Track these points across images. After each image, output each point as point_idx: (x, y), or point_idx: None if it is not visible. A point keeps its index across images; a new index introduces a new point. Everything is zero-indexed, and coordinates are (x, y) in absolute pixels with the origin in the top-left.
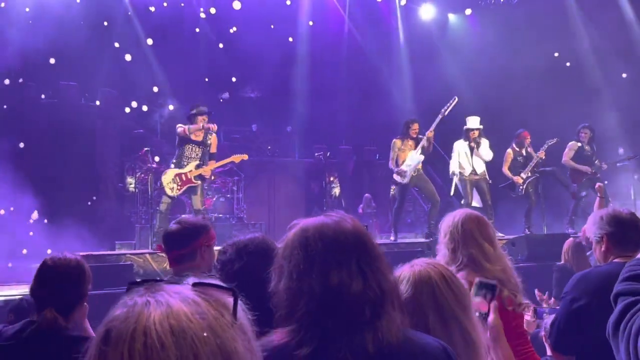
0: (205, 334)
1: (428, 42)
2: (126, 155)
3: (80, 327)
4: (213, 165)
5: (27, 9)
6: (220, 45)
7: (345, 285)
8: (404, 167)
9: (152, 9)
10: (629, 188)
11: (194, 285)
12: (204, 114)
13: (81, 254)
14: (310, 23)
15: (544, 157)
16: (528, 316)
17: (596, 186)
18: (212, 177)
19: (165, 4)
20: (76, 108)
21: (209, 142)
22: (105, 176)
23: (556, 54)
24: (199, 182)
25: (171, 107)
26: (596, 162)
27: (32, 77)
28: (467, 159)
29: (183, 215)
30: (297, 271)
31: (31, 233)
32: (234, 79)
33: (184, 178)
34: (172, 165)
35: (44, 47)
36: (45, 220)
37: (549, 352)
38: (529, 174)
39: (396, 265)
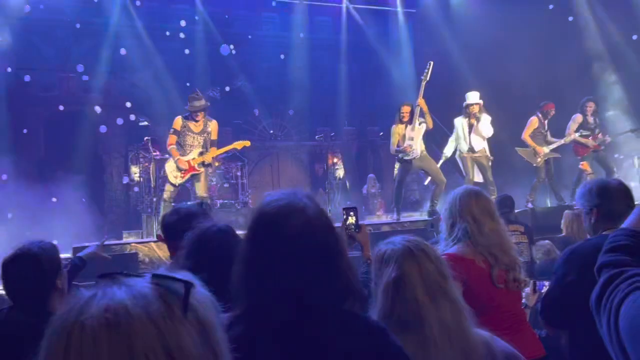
0: (143, 329)
1: (428, 20)
2: (130, 145)
3: None
4: (215, 152)
5: None
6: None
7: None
8: (406, 143)
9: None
10: (632, 160)
11: (153, 277)
12: (198, 110)
13: (84, 244)
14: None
15: (567, 143)
16: (529, 290)
17: (580, 165)
18: (216, 164)
19: None
20: (77, 98)
21: (209, 129)
22: (109, 166)
23: (571, 18)
24: (202, 169)
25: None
26: (599, 135)
27: (30, 66)
28: (464, 137)
29: (181, 203)
30: (243, 257)
31: None
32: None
33: (187, 166)
34: None
35: (44, 37)
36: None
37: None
38: (550, 152)
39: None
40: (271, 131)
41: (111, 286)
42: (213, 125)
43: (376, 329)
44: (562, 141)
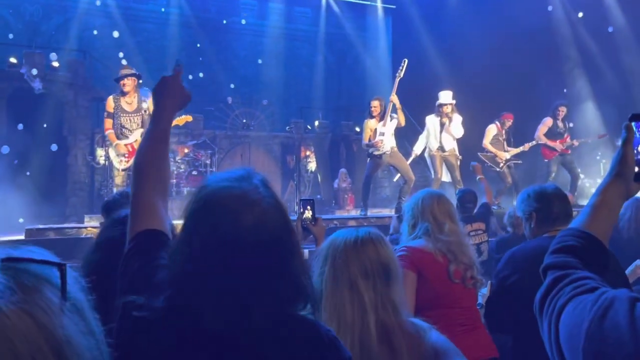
0: (24, 327)
1: (407, 16)
2: (97, 127)
3: None
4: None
5: None
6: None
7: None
8: (377, 138)
9: None
10: (599, 165)
11: (4, 261)
12: (125, 77)
13: (39, 227)
14: None
15: (526, 150)
16: (485, 290)
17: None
18: (185, 150)
19: None
20: (43, 75)
21: (145, 106)
22: (74, 148)
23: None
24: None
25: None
26: (567, 138)
27: None
28: (435, 136)
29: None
30: (177, 248)
31: None
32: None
33: (130, 149)
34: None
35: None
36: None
37: None
38: (511, 157)
39: None
40: (244, 120)
41: None
42: (150, 102)
43: (325, 338)
44: (522, 148)
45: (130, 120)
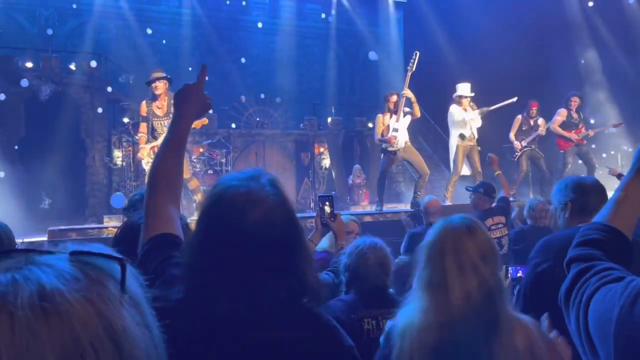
0: (85, 315)
1: (419, 9)
2: (114, 129)
3: None
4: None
5: None
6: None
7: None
8: (390, 134)
9: None
10: (617, 155)
11: (72, 254)
12: (157, 80)
13: (61, 227)
14: None
15: (543, 134)
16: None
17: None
18: (200, 149)
19: None
20: (60, 79)
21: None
22: (92, 149)
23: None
24: None
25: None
26: (582, 129)
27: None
28: (459, 125)
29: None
30: (192, 243)
31: None
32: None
33: (155, 152)
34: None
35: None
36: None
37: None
38: (526, 145)
39: (382, 236)
40: (257, 118)
41: (28, 267)
42: None
43: (328, 328)
44: (538, 133)
45: (160, 124)
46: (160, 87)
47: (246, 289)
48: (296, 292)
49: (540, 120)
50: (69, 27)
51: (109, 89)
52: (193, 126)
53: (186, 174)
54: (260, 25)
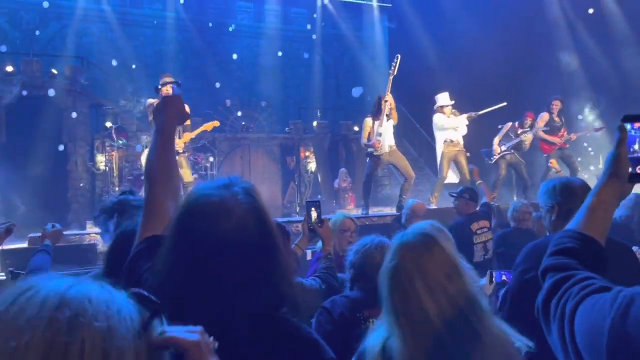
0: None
1: (403, 14)
2: (97, 133)
3: None
4: (188, 136)
5: None
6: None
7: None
8: (375, 139)
9: None
10: (598, 157)
11: (135, 296)
12: (166, 84)
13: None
14: None
15: (527, 146)
16: (485, 280)
17: (549, 163)
18: (186, 154)
19: None
20: (40, 83)
21: None
22: (74, 154)
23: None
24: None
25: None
26: (564, 132)
27: None
28: (444, 132)
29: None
30: (165, 253)
31: None
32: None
33: None
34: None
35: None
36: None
37: None
38: (505, 150)
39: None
40: (243, 122)
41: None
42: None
43: (308, 341)
44: (519, 139)
45: None
46: (170, 92)
47: (217, 303)
48: (272, 304)
49: (528, 136)
50: (51, 30)
51: (93, 92)
52: (204, 129)
53: (188, 178)
54: (231, 28)
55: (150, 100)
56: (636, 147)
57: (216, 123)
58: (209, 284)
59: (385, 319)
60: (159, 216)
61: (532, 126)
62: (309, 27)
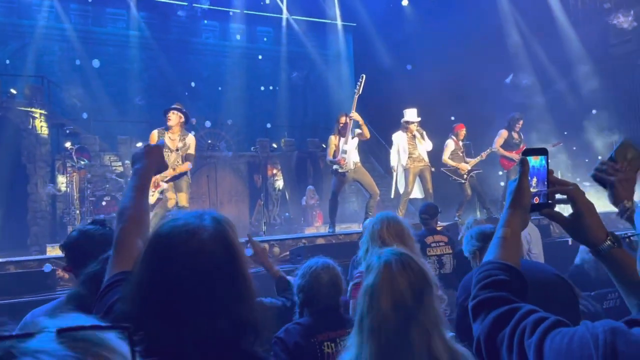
0: None
1: (366, 32)
2: (58, 154)
3: None
4: (181, 168)
5: None
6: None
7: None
8: (340, 156)
9: None
10: (556, 172)
11: (60, 332)
12: (171, 111)
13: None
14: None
15: (484, 158)
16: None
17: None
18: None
19: None
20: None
21: (187, 144)
22: (34, 175)
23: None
24: (166, 185)
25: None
26: (524, 148)
27: None
28: (404, 150)
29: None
30: (134, 278)
31: None
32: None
33: (156, 184)
34: None
35: None
36: None
37: None
38: (473, 167)
39: (335, 258)
40: (209, 141)
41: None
42: (190, 139)
43: None
44: (479, 157)
45: (168, 156)
46: (173, 118)
47: (177, 330)
48: (233, 331)
49: (486, 151)
50: (10, 49)
51: (54, 111)
52: (183, 169)
53: (184, 201)
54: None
55: (155, 132)
56: (535, 179)
57: (187, 167)
58: (166, 313)
59: (353, 339)
60: (129, 253)
61: (465, 138)
62: (274, 45)
